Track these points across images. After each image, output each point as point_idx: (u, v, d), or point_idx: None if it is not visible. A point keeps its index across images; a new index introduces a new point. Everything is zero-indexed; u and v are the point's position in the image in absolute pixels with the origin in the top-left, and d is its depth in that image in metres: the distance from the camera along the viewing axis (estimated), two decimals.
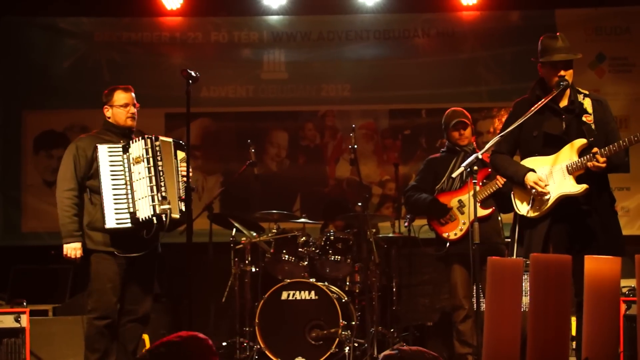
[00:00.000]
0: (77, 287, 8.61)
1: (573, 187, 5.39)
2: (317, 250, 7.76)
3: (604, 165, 5.26)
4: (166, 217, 5.96)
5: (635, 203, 9.35)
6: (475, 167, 5.42)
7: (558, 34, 5.64)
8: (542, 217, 5.49)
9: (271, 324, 7.39)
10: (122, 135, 6.26)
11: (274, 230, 7.94)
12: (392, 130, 9.85)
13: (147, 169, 6.01)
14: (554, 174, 5.47)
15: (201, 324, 7.54)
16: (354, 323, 7.41)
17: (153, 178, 5.99)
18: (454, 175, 5.80)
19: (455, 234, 6.94)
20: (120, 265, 6.08)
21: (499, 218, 7.03)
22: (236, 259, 7.91)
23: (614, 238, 5.48)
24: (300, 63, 9.85)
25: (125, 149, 6.11)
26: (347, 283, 7.91)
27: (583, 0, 9.59)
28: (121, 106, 6.33)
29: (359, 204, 7.94)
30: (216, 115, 9.81)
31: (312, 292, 7.42)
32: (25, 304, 6.79)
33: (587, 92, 5.65)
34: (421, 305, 9.14)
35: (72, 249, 6.00)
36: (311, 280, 7.51)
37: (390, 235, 8.37)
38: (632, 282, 6.56)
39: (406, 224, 7.94)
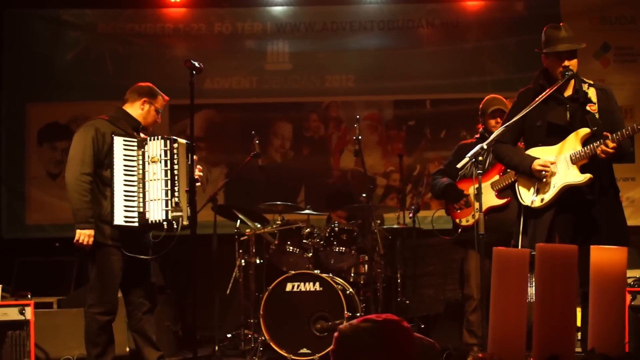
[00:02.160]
0: (82, 280, 8.62)
1: (577, 177, 5.37)
2: (322, 242, 7.75)
3: (612, 150, 5.23)
4: (177, 224, 5.92)
5: None
6: (480, 157, 5.38)
7: (561, 24, 5.61)
8: (546, 207, 5.47)
9: (276, 315, 7.39)
10: (134, 129, 6.16)
11: (278, 222, 7.93)
12: (397, 120, 9.84)
13: (163, 171, 5.93)
14: (558, 164, 5.45)
15: (206, 315, 7.56)
16: (358, 314, 7.40)
17: (169, 182, 5.92)
18: (459, 165, 5.76)
19: (467, 221, 6.93)
20: (125, 262, 6.01)
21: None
22: (240, 251, 7.92)
23: (619, 228, 5.46)
24: (304, 54, 9.83)
25: (141, 145, 5.99)
26: (352, 274, 7.91)
27: None
28: (158, 110, 6.31)
29: (364, 195, 7.93)
30: (220, 107, 9.80)
31: (317, 284, 7.41)
32: (29, 296, 6.80)
33: (591, 82, 5.63)
34: (426, 296, 9.14)
35: (86, 235, 5.82)
36: (316, 271, 7.50)
37: (395, 226, 8.36)
38: (637, 273, 6.56)
39: (411, 214, 7.93)
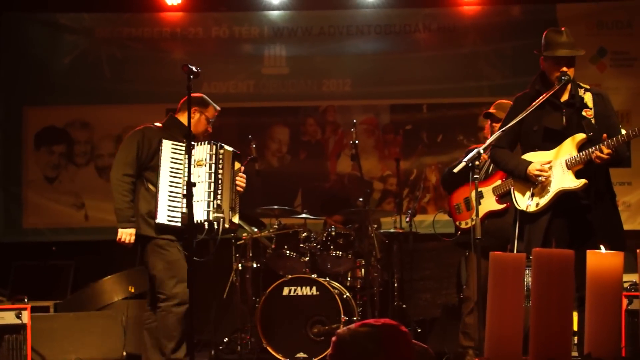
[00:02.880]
0: (78, 283, 8.62)
1: (572, 182, 5.38)
2: (319, 246, 7.76)
3: (607, 156, 5.24)
4: (219, 225, 6.04)
5: (636, 198, 9.34)
6: (477, 162, 5.39)
7: (563, 28, 5.62)
8: (541, 212, 5.48)
9: (272, 319, 7.39)
10: (185, 137, 6.16)
11: (275, 226, 7.94)
12: (393, 125, 9.85)
13: (207, 174, 6.07)
14: (553, 169, 5.46)
15: (203, 319, 7.55)
16: (355, 319, 7.40)
17: (212, 184, 6.06)
18: (455, 170, 5.77)
19: (467, 223, 6.94)
20: (181, 252, 6.12)
21: None
22: (237, 255, 7.92)
23: (615, 233, 5.47)
24: (301, 58, 9.84)
25: (189, 149, 5.99)
26: (349, 278, 7.92)
27: None
28: (209, 120, 6.41)
29: (360, 199, 7.94)
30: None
31: (314, 288, 7.42)
32: (26, 300, 6.80)
33: (588, 87, 5.63)
34: (423, 301, 9.14)
35: (128, 234, 6.01)
36: (312, 275, 7.51)
37: (392, 230, 8.37)
38: (633, 277, 6.57)
39: (407, 219, 7.94)
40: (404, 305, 8.14)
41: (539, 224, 5.47)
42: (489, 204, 6.85)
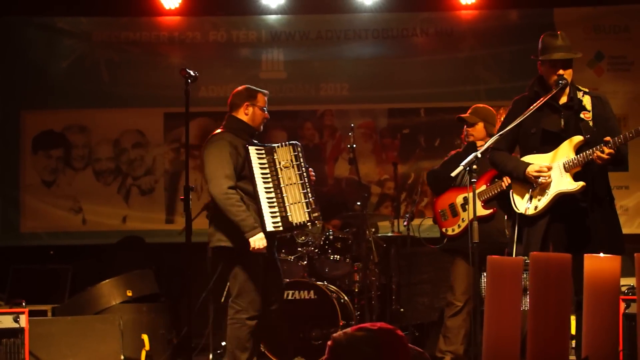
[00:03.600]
0: (76, 288, 8.61)
1: (570, 185, 5.38)
2: (317, 250, 7.76)
3: (608, 156, 5.24)
4: (318, 222, 6.13)
5: (634, 202, 9.35)
6: (475, 166, 5.39)
7: (559, 32, 5.63)
8: (540, 215, 5.48)
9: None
10: (250, 136, 6.28)
11: None
12: (391, 129, 9.85)
13: (297, 175, 6.12)
14: (551, 171, 5.47)
15: (200, 323, 7.55)
16: (353, 322, 7.40)
17: (304, 185, 6.11)
18: (453, 174, 5.77)
19: (453, 230, 6.94)
20: (262, 266, 6.13)
21: (505, 218, 7.03)
22: None
23: (614, 236, 5.47)
24: (298, 62, 9.85)
25: (270, 152, 6.16)
26: (346, 282, 7.92)
27: None
28: (262, 108, 6.38)
29: (358, 203, 7.94)
30: (215, 115, 9.78)
31: (312, 292, 7.42)
32: (24, 304, 6.79)
33: (586, 90, 5.65)
34: (420, 305, 9.13)
35: (260, 240, 5.92)
36: (310, 279, 7.51)
37: (389, 234, 8.37)
38: (631, 281, 6.56)
39: (405, 223, 7.94)
40: (402, 309, 8.15)
41: (538, 227, 5.48)
42: (476, 209, 6.85)
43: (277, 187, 6.05)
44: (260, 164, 6.07)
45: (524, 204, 5.57)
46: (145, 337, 7.57)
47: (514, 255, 5.50)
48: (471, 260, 5.56)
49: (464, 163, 5.40)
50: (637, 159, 8.84)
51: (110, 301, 7.79)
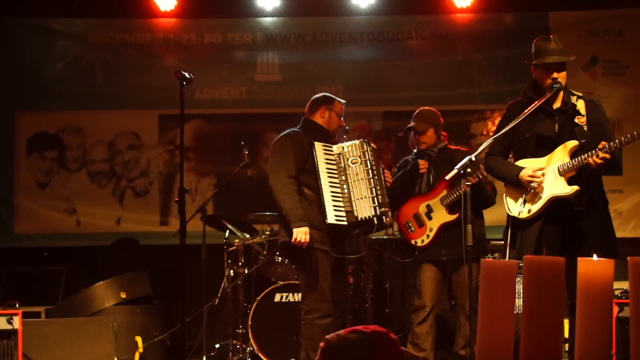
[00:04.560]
0: (70, 289, 8.61)
1: (564, 189, 5.40)
2: None
3: (602, 161, 5.26)
4: (386, 218, 6.15)
5: (628, 205, 9.36)
6: (469, 170, 5.39)
7: (551, 36, 5.65)
8: (534, 218, 5.49)
9: (264, 326, 7.39)
10: (324, 138, 6.38)
11: (267, 232, 7.94)
12: (386, 132, 9.84)
13: (365, 171, 6.19)
14: (546, 175, 5.48)
15: (194, 325, 7.55)
16: (347, 325, 7.40)
17: (372, 180, 6.16)
18: (447, 177, 5.78)
19: (423, 241, 6.90)
20: (331, 265, 6.18)
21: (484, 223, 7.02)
22: (229, 261, 7.91)
23: (608, 240, 5.48)
24: (294, 65, 9.84)
25: (339, 149, 6.28)
26: None
27: (577, 3, 9.59)
28: (338, 114, 6.51)
29: None
30: (210, 117, 9.79)
31: None
32: (17, 305, 6.78)
33: (580, 94, 5.66)
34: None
35: (303, 233, 5.99)
36: None
37: (384, 237, 8.36)
38: (624, 285, 6.57)
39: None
40: (396, 312, 8.15)
41: (531, 231, 5.49)
42: (441, 216, 6.85)
43: (344, 182, 6.16)
44: (326, 159, 6.19)
45: (517, 207, 5.58)
46: (138, 339, 7.57)
47: (507, 259, 5.51)
48: (465, 261, 5.57)
49: (457, 166, 5.40)
50: (631, 163, 8.86)
51: (104, 303, 7.78)
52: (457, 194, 6.71)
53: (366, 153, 6.23)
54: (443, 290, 7.20)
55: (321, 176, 6.11)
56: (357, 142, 6.32)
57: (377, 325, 2.93)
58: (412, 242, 6.96)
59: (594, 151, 5.28)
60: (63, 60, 9.82)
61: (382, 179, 6.32)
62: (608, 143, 5.25)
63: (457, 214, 6.77)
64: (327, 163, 6.18)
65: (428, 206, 6.91)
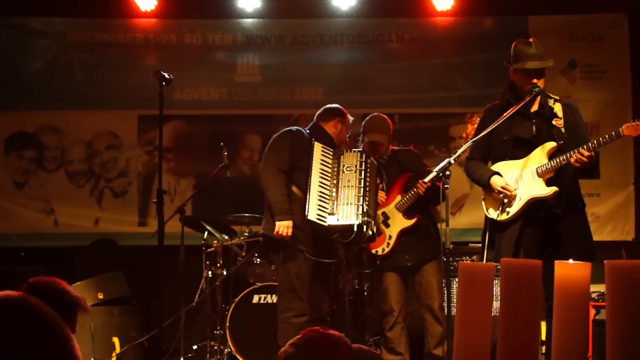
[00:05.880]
0: None
1: (542, 190, 5.42)
2: None
3: (587, 159, 5.28)
4: (367, 229, 6.13)
5: (605, 209, 9.41)
6: (448, 172, 5.40)
7: (531, 39, 5.67)
8: (512, 220, 5.51)
9: (242, 327, 7.38)
10: (330, 146, 6.45)
11: (245, 234, 7.94)
12: None
13: (358, 179, 6.22)
14: (523, 177, 5.50)
15: (172, 327, 7.52)
16: (326, 326, 7.39)
17: (362, 189, 6.19)
18: (426, 179, 5.79)
19: (384, 250, 6.90)
20: (309, 266, 6.24)
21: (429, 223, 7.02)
22: (207, 262, 7.90)
23: (585, 243, 5.51)
24: (274, 66, 9.83)
25: (337, 156, 6.34)
26: None
27: (556, 7, 9.64)
28: (348, 130, 6.68)
29: None
30: (189, 118, 9.77)
31: None
32: None
33: (557, 98, 5.69)
34: None
35: (286, 227, 6.10)
36: None
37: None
38: (601, 288, 6.62)
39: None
40: (374, 314, 8.15)
41: (510, 233, 5.51)
42: (399, 222, 6.86)
43: (334, 186, 6.21)
44: (322, 160, 6.26)
45: (496, 210, 5.60)
46: (116, 340, 7.54)
47: (485, 261, 5.53)
48: (444, 264, 5.59)
49: (436, 169, 5.42)
50: (609, 167, 8.93)
51: (85, 300, 7.74)
52: (413, 198, 6.72)
53: (363, 164, 6.29)
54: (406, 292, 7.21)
55: (313, 174, 6.17)
56: (357, 152, 6.40)
57: (326, 329, 2.95)
58: (373, 251, 6.95)
59: (576, 150, 5.31)
60: (42, 59, 9.76)
61: (374, 192, 6.37)
62: (587, 144, 5.29)
63: (415, 218, 6.79)
64: (322, 164, 6.25)
65: (384, 214, 6.90)
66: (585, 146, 5.28)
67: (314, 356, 2.82)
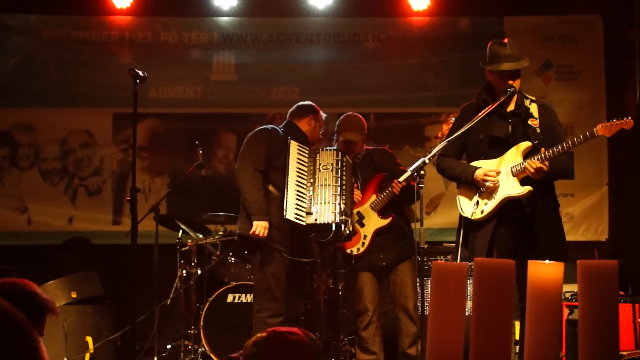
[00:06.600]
0: None
1: (517, 189, 5.44)
2: None
3: (534, 171, 5.31)
4: (344, 228, 6.16)
5: (579, 209, 9.46)
6: (422, 172, 5.40)
7: (506, 40, 5.68)
8: (486, 219, 5.52)
9: (216, 326, 7.37)
10: (304, 143, 6.45)
11: (220, 233, 7.92)
12: None
13: (334, 178, 6.23)
14: (499, 176, 5.51)
15: (146, 326, 7.48)
16: (300, 325, 7.39)
17: (339, 188, 6.20)
18: (401, 179, 5.80)
19: (359, 250, 6.90)
20: (285, 265, 6.22)
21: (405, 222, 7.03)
22: (182, 261, 7.87)
23: (558, 243, 5.53)
24: (249, 65, 9.80)
25: (313, 154, 6.34)
26: None
27: (531, 8, 9.68)
28: (322, 127, 6.68)
29: None
30: (164, 116, 9.73)
31: None
32: None
33: (533, 98, 5.71)
34: None
35: (262, 227, 6.08)
36: None
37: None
38: (574, 287, 6.65)
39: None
40: (349, 314, 8.15)
41: (484, 232, 5.52)
42: (374, 222, 6.86)
43: (311, 185, 6.22)
44: (299, 159, 6.25)
45: (470, 209, 5.61)
46: (89, 339, 7.50)
47: (458, 260, 5.53)
48: (418, 264, 5.59)
49: (411, 168, 5.42)
50: (583, 167, 8.97)
51: (55, 302, 7.69)
52: (388, 198, 6.72)
53: (339, 162, 6.30)
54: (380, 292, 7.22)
55: (290, 173, 6.16)
56: (333, 150, 6.40)
57: (290, 328, 2.96)
58: (348, 251, 6.95)
59: (531, 158, 5.33)
60: (16, 56, 9.69)
61: (350, 191, 6.38)
62: (541, 154, 5.31)
63: (390, 218, 6.80)
64: (299, 163, 6.25)
65: (359, 213, 6.89)
66: (540, 156, 5.30)
67: (274, 357, 2.82)
